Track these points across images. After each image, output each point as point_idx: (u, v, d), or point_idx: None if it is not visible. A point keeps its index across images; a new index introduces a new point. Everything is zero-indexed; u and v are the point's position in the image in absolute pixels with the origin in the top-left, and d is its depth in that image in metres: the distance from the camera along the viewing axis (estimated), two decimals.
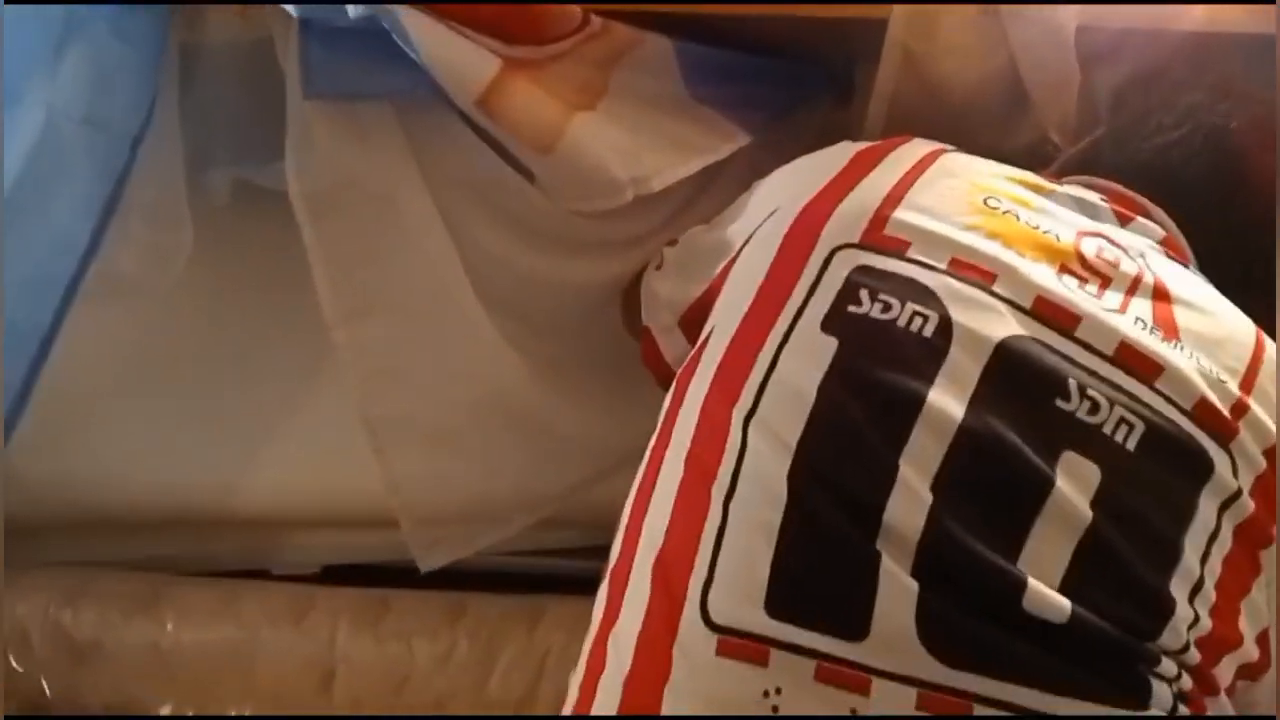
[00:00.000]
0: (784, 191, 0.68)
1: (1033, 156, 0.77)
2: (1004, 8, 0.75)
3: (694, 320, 0.71)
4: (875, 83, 0.80)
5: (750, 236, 0.67)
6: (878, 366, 0.55)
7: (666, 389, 0.75)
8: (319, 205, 0.76)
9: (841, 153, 0.67)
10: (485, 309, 0.79)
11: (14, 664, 0.95)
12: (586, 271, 0.85)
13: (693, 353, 0.63)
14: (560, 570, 1.01)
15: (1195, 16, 0.78)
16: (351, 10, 0.70)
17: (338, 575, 0.99)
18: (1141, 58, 0.82)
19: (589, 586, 0.93)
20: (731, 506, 0.54)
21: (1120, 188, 0.68)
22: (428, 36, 0.71)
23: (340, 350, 0.78)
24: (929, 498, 0.52)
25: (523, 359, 0.82)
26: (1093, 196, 0.66)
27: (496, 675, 0.92)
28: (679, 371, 0.64)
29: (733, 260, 0.67)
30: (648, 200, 0.81)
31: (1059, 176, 0.71)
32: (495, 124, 0.75)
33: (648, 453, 0.62)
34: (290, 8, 0.71)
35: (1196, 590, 0.53)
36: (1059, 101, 0.78)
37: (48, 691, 0.95)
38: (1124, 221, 0.65)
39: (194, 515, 0.91)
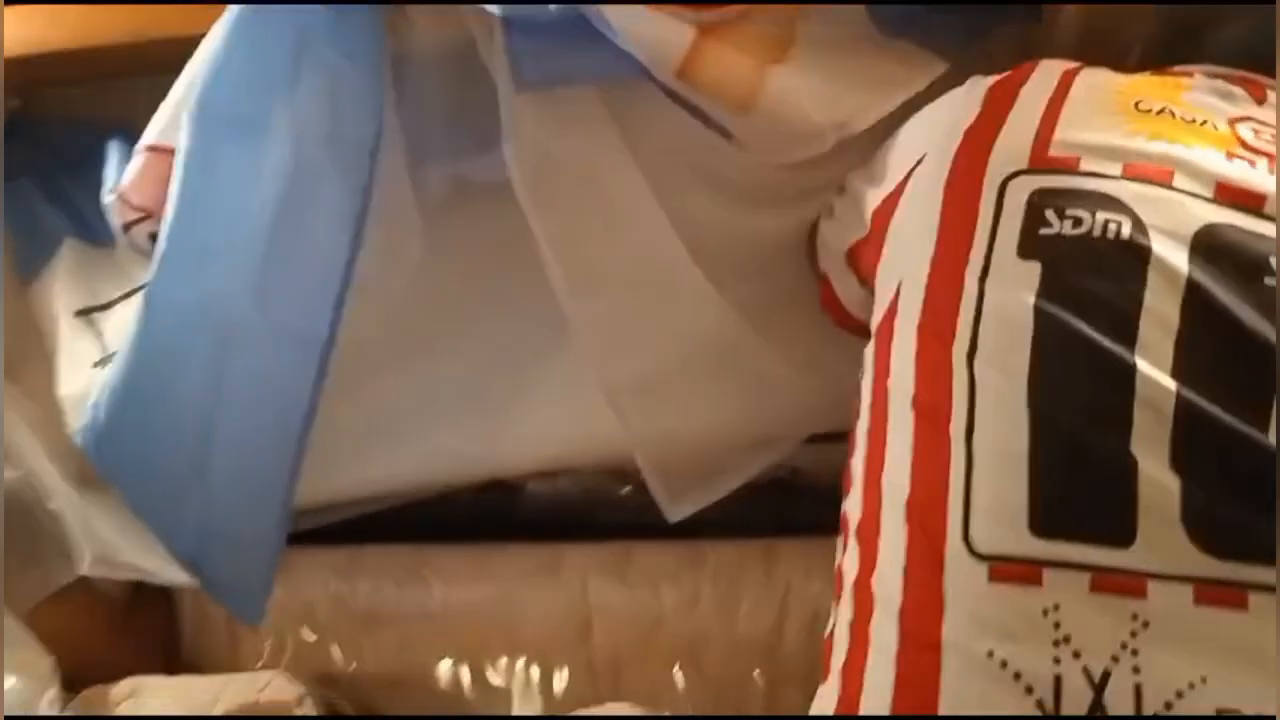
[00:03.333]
0: (928, 137, 0.68)
1: None
2: None
3: (857, 259, 0.75)
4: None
5: (902, 183, 0.68)
6: (1087, 278, 0.56)
7: (847, 330, 0.81)
8: (538, 191, 0.80)
9: (975, 90, 0.68)
10: (695, 265, 0.82)
11: (306, 634, 1.06)
12: (789, 220, 0.87)
13: (886, 307, 0.65)
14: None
15: None
16: (553, 6, 0.73)
17: (579, 531, 1.05)
18: None
19: (817, 529, 0.96)
20: (975, 441, 0.55)
21: (1244, 73, 0.66)
22: (625, 17, 0.74)
23: (573, 323, 0.82)
24: (1172, 387, 0.52)
25: (735, 309, 0.85)
26: (1224, 84, 0.65)
27: (742, 614, 0.97)
28: (876, 325, 0.65)
29: (889, 206, 0.69)
30: (846, 144, 0.81)
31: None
32: (695, 90, 0.77)
33: (864, 410, 0.64)
34: (493, 9, 0.75)
35: None
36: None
37: (338, 658, 1.05)
38: (1259, 101, 0.64)
39: (460, 480, 0.98)
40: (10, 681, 0.50)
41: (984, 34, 0.88)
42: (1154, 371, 0.53)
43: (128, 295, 0.93)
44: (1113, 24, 0.82)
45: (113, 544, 0.87)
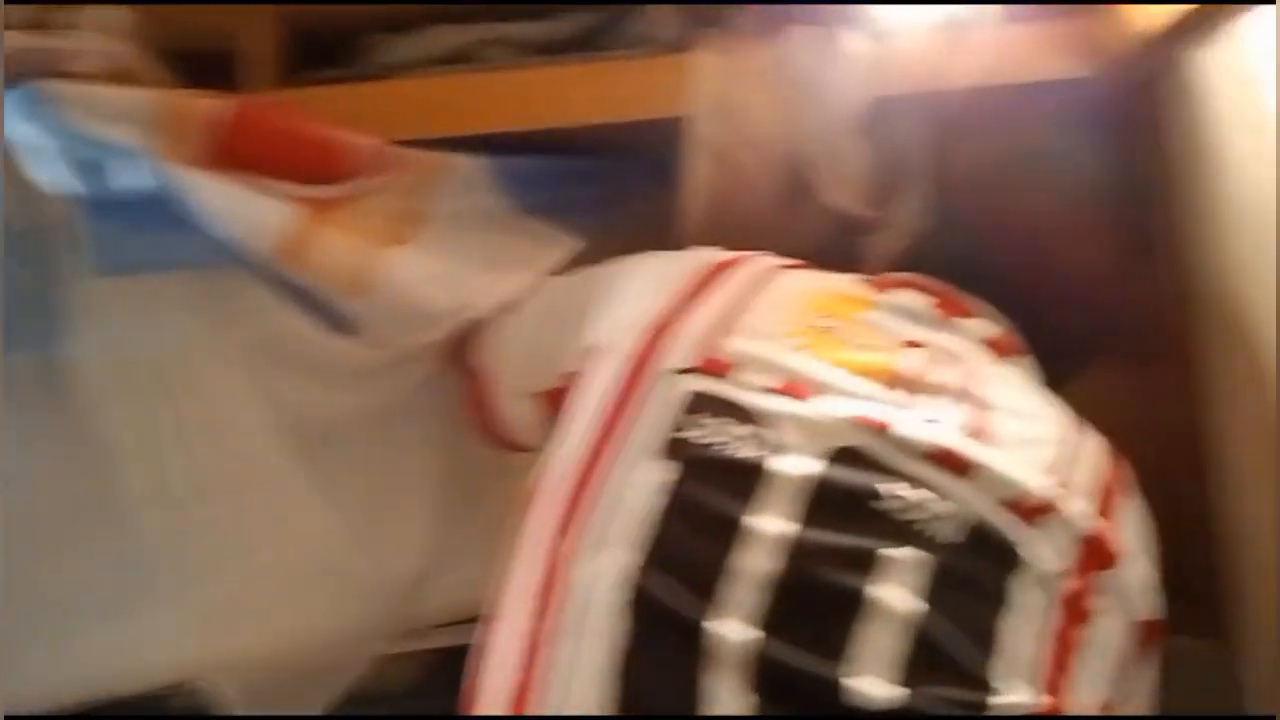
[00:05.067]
0: (635, 300, 0.68)
1: (846, 240, 0.78)
2: (797, 94, 0.76)
3: (549, 405, 0.72)
4: (687, 179, 0.80)
5: (601, 345, 0.67)
6: (708, 491, 0.57)
7: (486, 438, 0.80)
8: (114, 386, 0.72)
9: (692, 265, 0.69)
10: (298, 465, 0.76)
11: None
12: (400, 389, 0.82)
13: (536, 476, 0.64)
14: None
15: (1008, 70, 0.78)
16: (129, 182, 0.67)
17: None
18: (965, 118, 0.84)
19: None
20: (563, 641, 0.55)
21: (947, 289, 0.69)
22: (216, 199, 0.69)
23: (154, 536, 0.73)
24: (750, 614, 0.53)
25: (338, 511, 0.78)
26: (919, 302, 0.67)
27: None
28: (528, 496, 0.64)
29: (583, 367, 0.68)
30: None
31: (888, 272, 0.73)
32: (301, 275, 0.72)
33: (499, 581, 0.63)
34: (62, 186, 0.68)
35: (1015, 671, 0.54)
36: (849, 181, 0.79)
37: None
38: (951, 323, 0.67)
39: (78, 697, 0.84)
40: None
41: (619, 207, 0.89)
42: (744, 596, 0.53)
43: None
44: (729, 212, 0.83)
45: None
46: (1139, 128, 0.83)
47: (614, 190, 0.89)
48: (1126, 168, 0.75)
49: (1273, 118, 0.65)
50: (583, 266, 0.83)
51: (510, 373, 0.78)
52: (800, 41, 0.78)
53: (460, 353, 0.82)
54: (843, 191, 0.79)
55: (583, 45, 0.82)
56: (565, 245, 0.83)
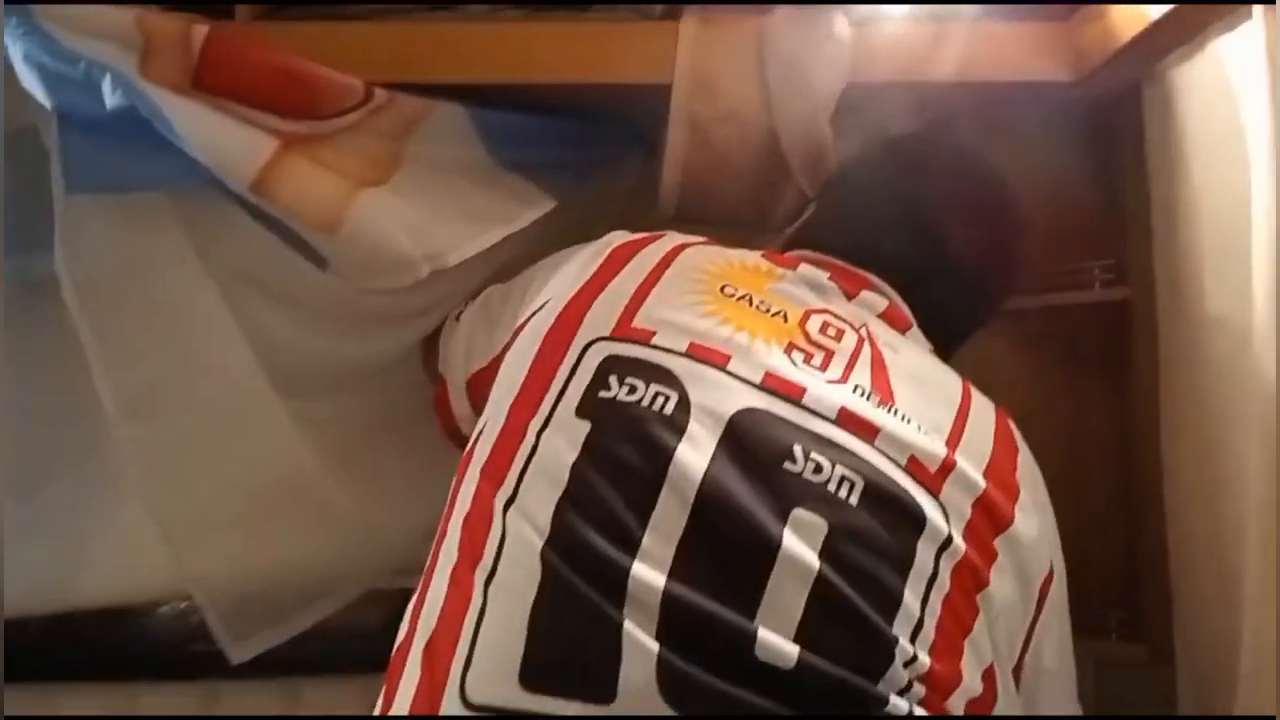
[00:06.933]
0: (555, 284, 0.71)
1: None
2: (779, 73, 0.76)
3: (476, 390, 0.75)
4: (666, 148, 0.80)
5: (525, 324, 0.69)
6: (625, 443, 0.58)
7: (450, 439, 0.81)
8: (93, 298, 0.73)
9: (603, 247, 0.71)
10: (277, 395, 0.77)
11: None
12: (382, 345, 0.83)
13: (470, 442, 0.66)
14: None
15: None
16: (108, 99, 0.68)
17: (159, 671, 0.95)
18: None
19: None
20: (491, 589, 0.57)
21: (844, 265, 0.71)
22: (193, 122, 0.69)
23: (124, 447, 0.75)
24: (669, 562, 0.55)
25: (316, 443, 0.80)
26: (820, 275, 0.70)
27: None
28: (462, 457, 0.66)
29: (509, 345, 0.70)
30: (446, 271, 0.79)
31: (789, 249, 0.74)
32: (274, 206, 0.72)
33: (436, 536, 0.64)
34: (45, 99, 0.69)
35: (917, 631, 0.56)
36: (815, 167, 0.81)
37: None
38: (849, 296, 0.69)
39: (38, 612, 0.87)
40: None
41: (600, 171, 0.90)
42: (658, 544, 0.55)
43: None
44: (705, 184, 0.84)
45: None
46: (1118, 135, 0.83)
47: (600, 153, 0.90)
48: (1097, 173, 0.75)
49: (1242, 133, 0.65)
50: (555, 227, 0.84)
51: (455, 372, 0.80)
52: (785, 21, 0.79)
53: (431, 358, 0.84)
54: (813, 175, 0.80)
55: (567, 3, 0.82)
56: (541, 203, 0.84)
